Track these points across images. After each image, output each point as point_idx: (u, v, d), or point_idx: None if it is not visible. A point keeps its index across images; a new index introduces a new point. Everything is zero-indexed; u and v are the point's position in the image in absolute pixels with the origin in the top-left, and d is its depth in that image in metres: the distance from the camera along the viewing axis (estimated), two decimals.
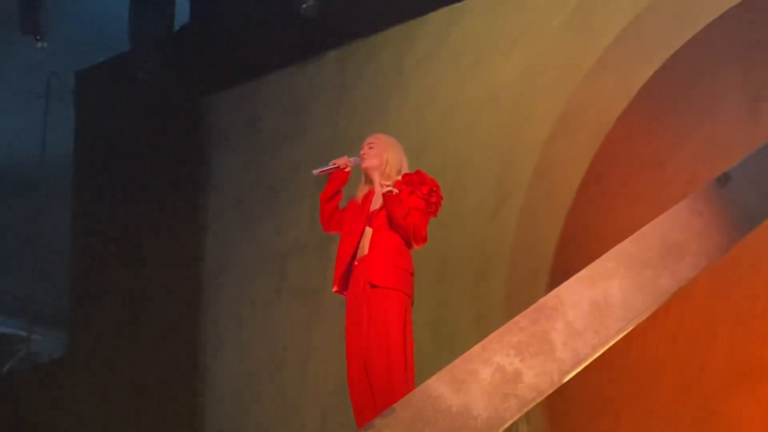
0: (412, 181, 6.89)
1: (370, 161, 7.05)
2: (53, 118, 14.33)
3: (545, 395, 5.99)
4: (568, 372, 5.98)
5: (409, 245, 6.87)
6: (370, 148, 7.09)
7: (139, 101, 13.50)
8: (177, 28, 13.86)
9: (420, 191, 6.85)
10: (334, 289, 7.01)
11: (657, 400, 9.88)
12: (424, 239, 6.90)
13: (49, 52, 13.81)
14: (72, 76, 14.23)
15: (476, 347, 5.96)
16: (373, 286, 6.75)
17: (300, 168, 12.41)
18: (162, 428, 12.81)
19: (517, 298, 10.12)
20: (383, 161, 7.03)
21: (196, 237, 13.48)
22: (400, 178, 6.96)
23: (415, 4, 12.08)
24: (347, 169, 7.07)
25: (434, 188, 6.89)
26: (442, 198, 6.92)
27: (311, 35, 12.68)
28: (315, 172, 7.13)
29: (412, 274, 6.87)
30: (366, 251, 6.87)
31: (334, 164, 7.06)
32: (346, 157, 7.09)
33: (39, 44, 13.75)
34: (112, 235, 13.63)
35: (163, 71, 13.46)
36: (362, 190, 7.14)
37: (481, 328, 6.11)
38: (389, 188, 6.74)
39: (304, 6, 12.47)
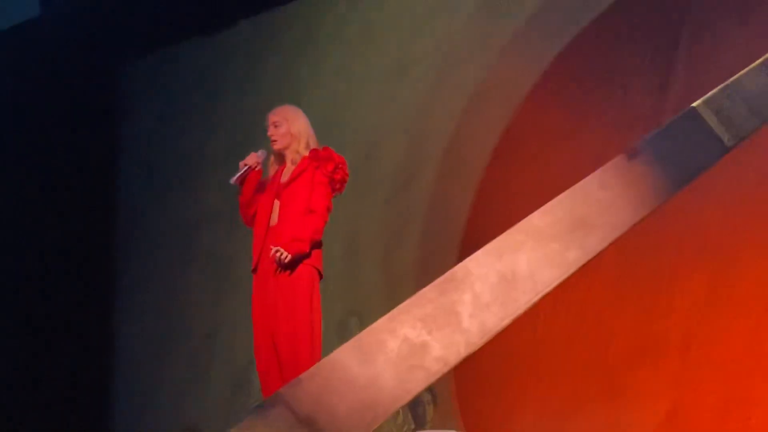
0: (319, 156, 6.89)
1: (281, 142, 7.02)
2: None
3: (452, 367, 5.96)
4: (475, 344, 5.94)
5: None
6: (276, 126, 7.04)
7: (49, 68, 13.42)
8: None
9: (325, 168, 6.84)
10: (252, 268, 6.97)
11: (563, 373, 9.93)
12: (323, 224, 6.86)
13: None
14: None
15: (383, 318, 5.91)
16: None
17: (211, 136, 12.38)
18: (72, 393, 12.75)
19: (428, 269, 10.11)
20: (292, 138, 6.99)
21: (107, 204, 13.40)
22: (307, 153, 6.93)
23: None
24: (259, 168, 7.01)
25: (340, 165, 6.90)
26: (347, 175, 6.92)
27: (224, 4, 12.63)
28: (232, 180, 7.07)
29: (319, 244, 6.84)
30: (276, 221, 6.84)
31: (246, 165, 7.01)
32: (253, 154, 7.04)
33: None
34: (22, 200, 13.54)
35: (74, 38, 13.37)
36: (272, 167, 7.10)
37: (392, 299, 6.08)
38: (278, 254, 6.66)
39: None
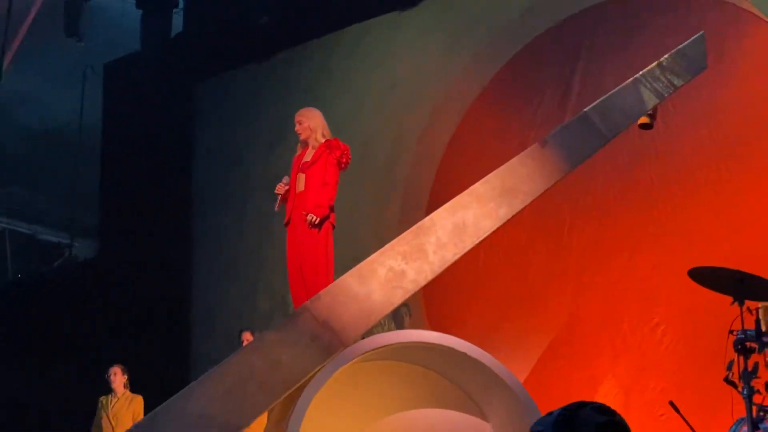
0: (331, 145, 6.84)
1: (304, 134, 6.96)
2: (88, 96, 14.20)
3: (421, 286, 5.99)
4: (437, 271, 5.98)
5: None
6: (300, 123, 7.00)
7: (147, 85, 13.39)
8: (174, 34, 13.79)
9: (335, 154, 6.80)
10: (285, 222, 6.95)
11: (496, 290, 9.96)
12: (334, 193, 6.81)
13: (85, 50, 13.66)
14: (101, 67, 14.07)
15: (375, 254, 5.95)
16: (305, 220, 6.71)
17: (258, 136, 12.33)
18: (163, 305, 12.74)
19: (406, 221, 10.11)
20: (311, 130, 6.95)
21: (187, 180, 13.38)
22: (323, 140, 6.89)
23: (335, 19, 12.05)
24: (286, 189, 6.93)
25: (345, 152, 6.84)
26: (350, 158, 6.87)
27: (265, 41, 12.59)
28: (276, 208, 7.01)
29: (333, 207, 6.82)
30: (302, 189, 6.82)
31: (279, 193, 6.95)
32: (280, 183, 6.96)
33: (78, 44, 13.60)
34: (130, 175, 13.52)
35: (163, 64, 13.37)
36: (299, 149, 7.06)
37: (381, 242, 6.10)
38: (310, 217, 6.63)
39: (261, 21, 12.41)
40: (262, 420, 7.03)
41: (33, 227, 16.70)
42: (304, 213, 6.65)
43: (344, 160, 6.84)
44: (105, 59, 13.95)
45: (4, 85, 13.08)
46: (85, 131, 14.30)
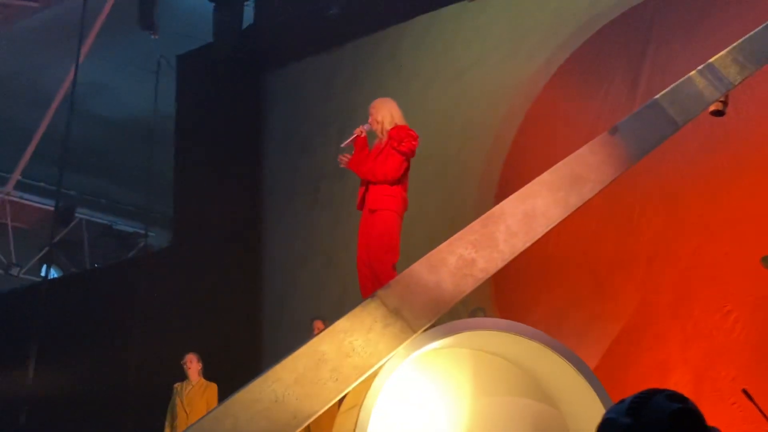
0: (391, 136, 6.82)
1: (374, 126, 6.96)
2: (162, 87, 14.33)
3: (491, 275, 5.98)
4: (507, 260, 5.96)
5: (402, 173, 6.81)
6: (371, 115, 7.00)
7: (219, 76, 13.51)
8: (245, 26, 13.91)
9: (392, 144, 6.77)
10: (357, 207, 6.96)
11: (565, 279, 9.90)
12: (396, 184, 6.79)
13: (159, 42, 13.81)
14: (175, 59, 14.22)
15: (445, 243, 5.94)
16: (371, 211, 6.72)
17: (329, 124, 12.37)
18: (235, 294, 12.85)
19: (476, 210, 10.09)
20: (378, 123, 6.93)
21: (258, 169, 13.48)
22: (390, 128, 6.88)
23: (404, 10, 12.04)
24: (363, 135, 6.97)
25: (403, 140, 6.78)
26: (412, 145, 6.79)
27: (334, 32, 12.63)
28: (343, 144, 7.00)
29: (400, 197, 6.79)
30: (371, 177, 6.83)
31: (355, 134, 6.96)
32: (360, 126, 6.98)
33: (152, 37, 13.76)
34: (203, 165, 13.66)
35: (235, 56, 13.48)
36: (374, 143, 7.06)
37: (452, 230, 6.08)
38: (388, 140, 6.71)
39: (330, 12, 12.45)
40: (334, 408, 7.07)
41: (109, 217, 17.00)
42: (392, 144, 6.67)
43: (403, 148, 6.77)
44: (178, 51, 14.11)
45: (80, 77, 13.27)
46: (159, 122, 14.44)
